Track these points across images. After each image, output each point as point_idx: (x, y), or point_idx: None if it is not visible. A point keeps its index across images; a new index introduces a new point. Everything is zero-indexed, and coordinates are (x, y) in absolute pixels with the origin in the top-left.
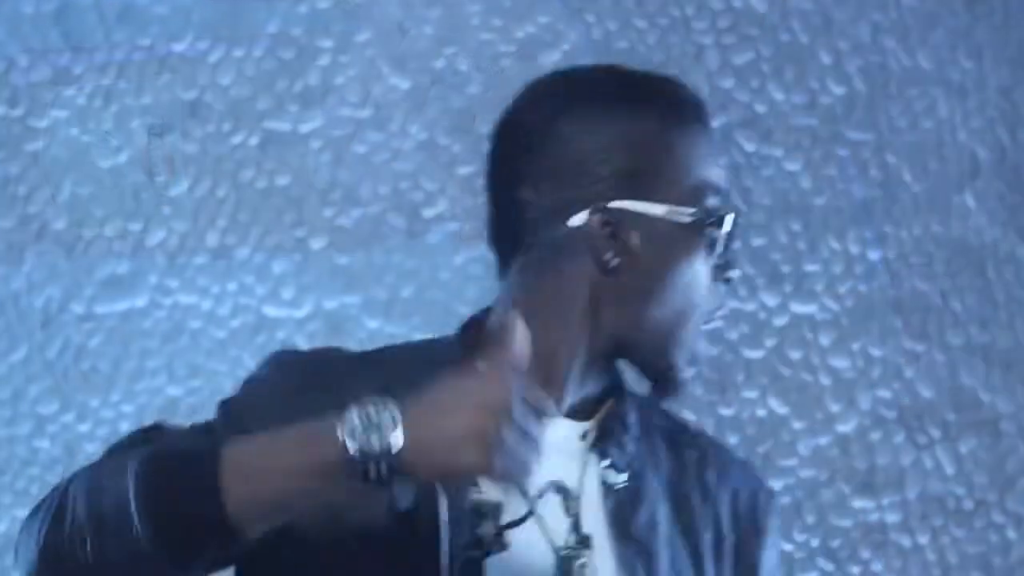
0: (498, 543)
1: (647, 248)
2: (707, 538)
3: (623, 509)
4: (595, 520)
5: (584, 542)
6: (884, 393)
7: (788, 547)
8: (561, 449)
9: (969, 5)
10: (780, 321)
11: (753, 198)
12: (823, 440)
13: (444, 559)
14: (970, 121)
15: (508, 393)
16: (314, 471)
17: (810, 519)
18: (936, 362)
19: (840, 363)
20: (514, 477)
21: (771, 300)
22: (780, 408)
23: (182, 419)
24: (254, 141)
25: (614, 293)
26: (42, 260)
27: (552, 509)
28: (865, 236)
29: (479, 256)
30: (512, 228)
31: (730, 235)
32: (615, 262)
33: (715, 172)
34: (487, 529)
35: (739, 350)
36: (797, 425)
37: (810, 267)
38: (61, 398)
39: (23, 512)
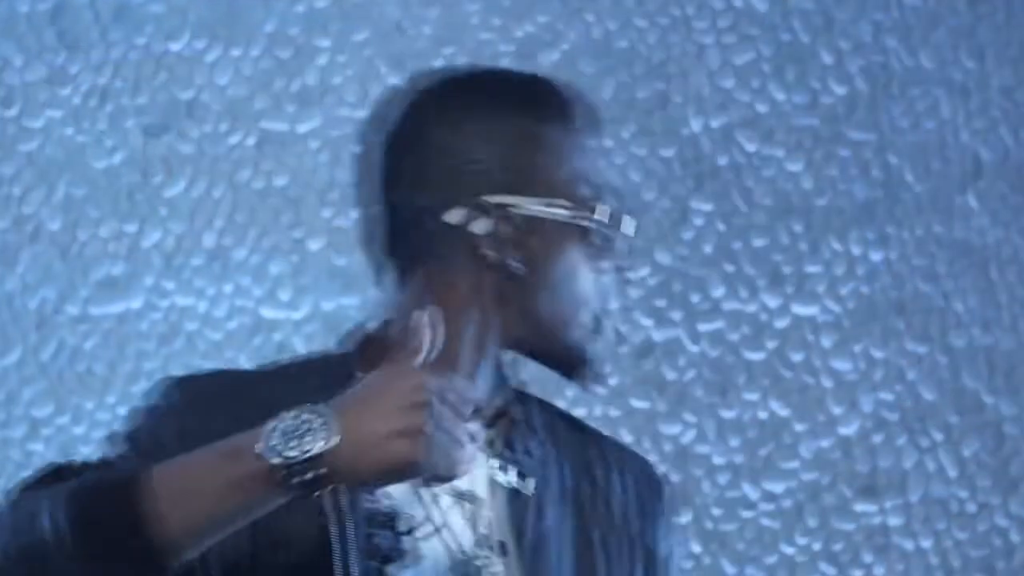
0: (397, 552)
1: (524, 241)
2: (598, 534)
3: (519, 511)
4: (494, 523)
5: (482, 546)
6: (886, 395)
7: (790, 551)
8: None
9: (971, 4)
10: (781, 323)
11: (754, 199)
12: (825, 443)
13: (339, 572)
14: (972, 121)
15: (431, 389)
16: (240, 488)
17: (812, 522)
18: (939, 364)
19: (842, 365)
20: (444, 474)
21: (772, 301)
22: (781, 410)
23: None
24: (251, 141)
25: (497, 288)
26: (37, 261)
27: (453, 515)
28: (867, 237)
29: None
30: (389, 232)
31: (607, 226)
32: (493, 257)
33: (588, 165)
34: (385, 538)
35: (740, 352)
36: (799, 427)
37: (812, 268)
38: (56, 400)
39: None
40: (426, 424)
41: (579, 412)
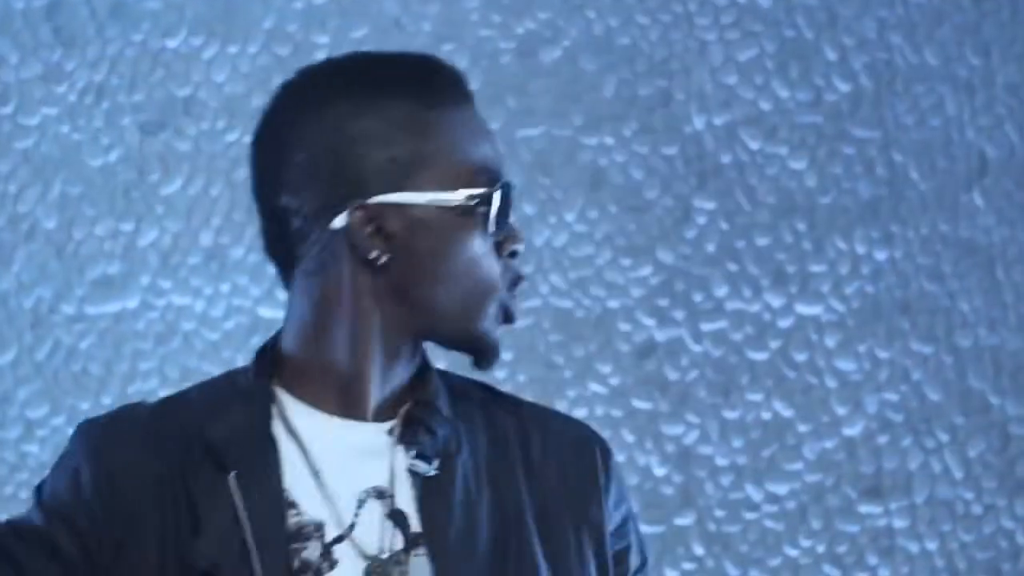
0: (327, 562)
1: (414, 238)
2: (533, 512)
3: (425, 494)
4: (408, 513)
5: (415, 542)
6: (891, 396)
7: (793, 553)
8: (372, 452)
9: (976, 1)
10: (785, 322)
11: (757, 197)
12: (829, 444)
13: None
14: (978, 118)
15: None
16: None
17: (816, 524)
18: (944, 364)
19: (846, 365)
20: None
21: (776, 301)
22: (785, 411)
23: None
24: (249, 139)
25: (393, 288)
26: (32, 260)
27: (368, 514)
28: (871, 236)
29: None
30: (282, 239)
31: (502, 210)
32: (384, 259)
33: (477, 149)
34: (313, 551)
35: (743, 352)
36: (802, 428)
37: (815, 267)
38: (51, 401)
39: None
40: None
41: (579, 413)
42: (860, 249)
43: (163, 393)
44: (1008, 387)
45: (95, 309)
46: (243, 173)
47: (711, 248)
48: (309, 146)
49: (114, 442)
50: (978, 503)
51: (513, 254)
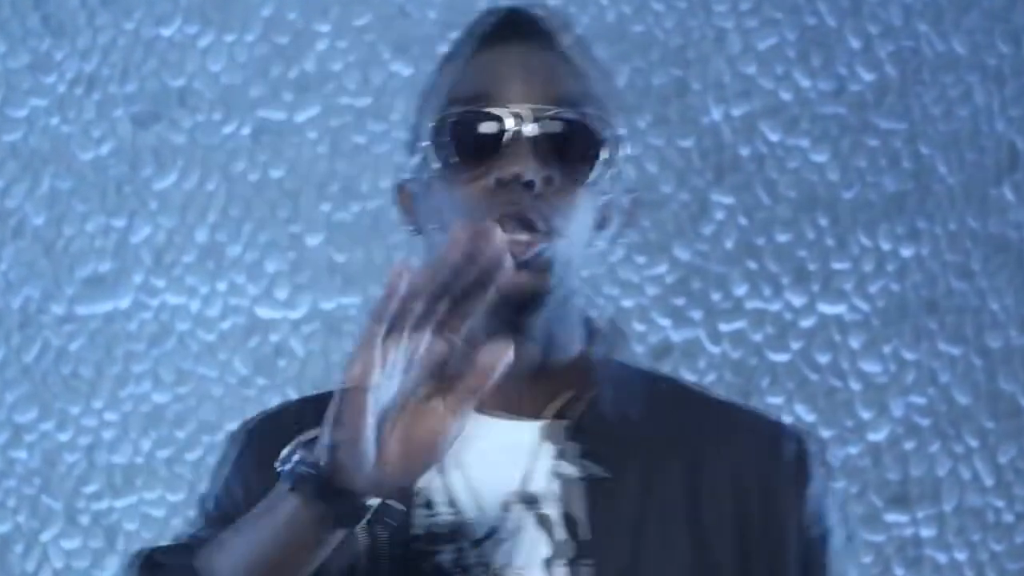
0: (459, 568)
1: (419, 203)
2: (713, 515)
3: (593, 500)
4: (577, 521)
5: (560, 552)
6: (918, 399)
7: None
8: (520, 451)
9: None
10: (807, 322)
11: (778, 191)
12: (853, 449)
13: None
14: (1008, 109)
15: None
16: (288, 532)
17: (840, 533)
18: (973, 366)
19: (871, 367)
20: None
21: (797, 300)
22: (807, 415)
23: (169, 425)
24: (246, 131)
25: None
26: (20, 258)
27: (521, 521)
28: (897, 232)
29: None
30: None
31: (461, 136)
32: (414, 232)
33: (458, 88)
34: (446, 555)
35: (764, 353)
36: (826, 433)
37: (839, 265)
38: (40, 405)
39: (1, 526)
40: (358, 423)
41: None
42: (885, 245)
43: (157, 398)
44: None
45: (86, 309)
46: (240, 166)
47: (729, 245)
48: None
49: (257, 449)
50: (1009, 511)
51: (501, 184)
